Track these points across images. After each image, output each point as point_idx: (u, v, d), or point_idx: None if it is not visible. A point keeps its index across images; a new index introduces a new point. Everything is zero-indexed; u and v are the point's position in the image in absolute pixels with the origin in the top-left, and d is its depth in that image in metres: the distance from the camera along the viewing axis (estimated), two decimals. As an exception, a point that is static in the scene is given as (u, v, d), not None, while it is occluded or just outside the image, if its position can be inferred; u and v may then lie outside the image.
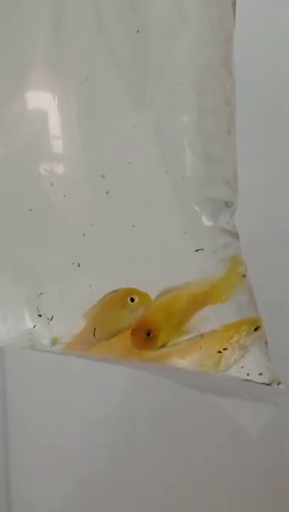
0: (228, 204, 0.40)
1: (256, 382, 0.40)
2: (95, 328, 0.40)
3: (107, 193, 0.39)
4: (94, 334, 0.40)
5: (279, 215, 0.82)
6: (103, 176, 0.40)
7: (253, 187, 0.78)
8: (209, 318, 0.40)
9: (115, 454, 0.89)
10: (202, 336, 0.39)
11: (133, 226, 0.40)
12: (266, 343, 0.41)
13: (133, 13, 0.39)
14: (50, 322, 0.40)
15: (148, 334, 0.39)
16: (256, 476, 0.85)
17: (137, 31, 0.39)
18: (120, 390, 0.87)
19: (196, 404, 0.82)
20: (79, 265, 0.40)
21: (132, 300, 0.40)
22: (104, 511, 0.90)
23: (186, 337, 0.39)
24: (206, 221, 0.40)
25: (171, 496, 0.88)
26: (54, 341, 0.40)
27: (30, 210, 0.40)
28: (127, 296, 0.40)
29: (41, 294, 0.40)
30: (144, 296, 0.40)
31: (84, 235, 0.40)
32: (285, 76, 0.78)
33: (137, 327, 0.40)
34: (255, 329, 0.40)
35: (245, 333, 0.40)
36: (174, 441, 0.87)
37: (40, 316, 0.40)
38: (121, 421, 0.88)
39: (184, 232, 0.40)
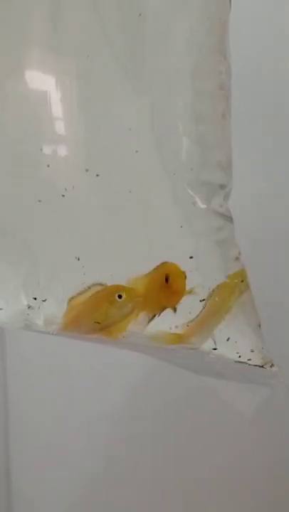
0: (221, 187, 0.41)
1: (249, 364, 0.40)
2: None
3: (97, 175, 0.40)
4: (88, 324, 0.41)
5: (279, 215, 0.82)
6: (97, 160, 0.40)
7: (253, 186, 0.79)
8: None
9: (115, 452, 0.89)
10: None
11: (127, 207, 0.40)
12: (259, 325, 0.41)
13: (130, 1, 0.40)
14: (44, 303, 0.40)
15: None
16: (257, 475, 0.85)
17: (135, 15, 0.40)
18: (121, 389, 0.87)
19: (197, 403, 0.82)
20: (78, 259, 0.41)
21: (120, 297, 0.40)
22: (105, 509, 0.90)
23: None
24: (199, 204, 0.40)
25: (172, 494, 0.88)
26: (48, 322, 0.40)
27: (32, 195, 0.40)
28: (114, 294, 0.40)
29: (37, 277, 0.41)
30: (131, 291, 0.40)
31: (79, 220, 0.40)
32: (285, 76, 0.78)
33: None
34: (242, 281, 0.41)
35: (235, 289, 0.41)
36: (175, 441, 0.87)
37: (35, 298, 0.41)
38: (121, 420, 0.88)
39: (178, 214, 0.40)
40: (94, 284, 0.40)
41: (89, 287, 0.40)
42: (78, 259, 0.40)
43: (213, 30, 0.40)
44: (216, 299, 0.40)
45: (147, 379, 0.84)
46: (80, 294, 0.40)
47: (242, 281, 0.41)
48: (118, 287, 0.40)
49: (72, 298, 0.40)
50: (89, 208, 0.40)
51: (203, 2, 0.40)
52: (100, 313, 0.40)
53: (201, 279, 0.40)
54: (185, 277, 0.40)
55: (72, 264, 0.41)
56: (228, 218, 0.41)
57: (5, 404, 0.92)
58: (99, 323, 0.40)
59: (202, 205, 0.40)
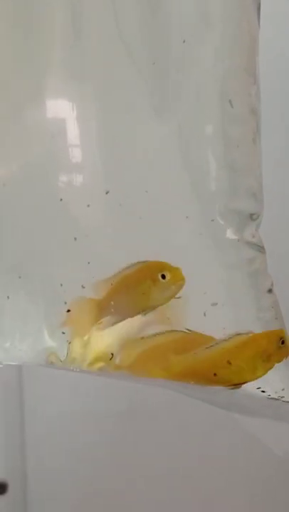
0: (252, 216, 0.39)
1: (282, 401, 0.39)
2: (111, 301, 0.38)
3: (121, 205, 0.38)
4: (111, 306, 0.38)
5: None
6: (120, 188, 0.38)
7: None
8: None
9: (129, 449, 0.89)
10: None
11: (152, 235, 0.38)
12: (293, 359, 0.39)
13: (153, 18, 0.37)
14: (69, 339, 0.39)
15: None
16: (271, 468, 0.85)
17: (158, 37, 0.38)
18: (134, 388, 0.87)
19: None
20: None
21: (164, 277, 0.37)
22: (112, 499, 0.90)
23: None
24: (231, 235, 0.38)
25: (182, 490, 0.88)
26: (72, 360, 0.39)
27: (48, 223, 0.39)
28: (158, 272, 0.37)
29: (59, 307, 0.39)
30: (176, 272, 0.37)
31: (102, 245, 0.39)
32: None
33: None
34: (282, 343, 0.39)
35: (271, 346, 0.39)
36: (184, 442, 0.87)
37: (63, 333, 0.39)
38: (135, 417, 0.88)
39: (209, 245, 0.38)
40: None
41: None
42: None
43: (242, 50, 0.38)
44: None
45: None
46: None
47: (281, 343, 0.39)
48: (163, 265, 0.37)
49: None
50: (110, 235, 0.39)
51: (230, 20, 0.38)
52: (139, 291, 0.37)
53: (232, 313, 0.38)
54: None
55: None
56: (261, 248, 0.39)
57: (21, 403, 0.92)
58: (141, 300, 0.38)
59: (233, 236, 0.38)
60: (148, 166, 0.38)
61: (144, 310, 0.38)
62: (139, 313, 0.38)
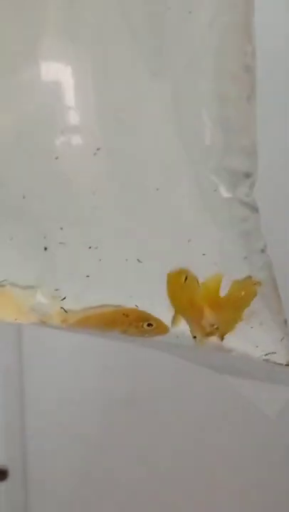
0: (246, 175, 0.39)
1: (274, 363, 0.38)
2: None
3: (115, 163, 0.38)
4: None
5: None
6: (113, 147, 0.38)
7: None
8: None
9: (129, 434, 0.90)
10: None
11: (146, 195, 0.38)
12: (285, 321, 0.39)
13: None
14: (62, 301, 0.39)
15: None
16: (277, 475, 0.85)
17: None
18: (135, 372, 0.87)
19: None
20: (90, 247, 0.39)
21: (150, 325, 0.39)
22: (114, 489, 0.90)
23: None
24: (223, 192, 0.38)
25: (183, 473, 0.88)
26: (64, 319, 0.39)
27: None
28: (144, 321, 0.39)
29: (55, 272, 0.39)
30: (160, 323, 0.39)
31: (95, 207, 0.38)
32: None
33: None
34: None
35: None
36: (184, 426, 0.87)
37: (53, 297, 0.39)
38: (135, 402, 0.88)
39: (201, 203, 0.38)
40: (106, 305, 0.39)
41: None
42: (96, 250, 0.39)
43: (238, 8, 0.38)
44: (242, 293, 0.38)
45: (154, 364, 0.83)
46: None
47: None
48: (147, 316, 0.39)
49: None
50: (103, 194, 0.38)
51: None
52: (122, 330, 0.39)
53: (224, 271, 0.38)
54: None
55: (88, 253, 0.39)
56: (254, 209, 0.39)
57: (21, 386, 0.93)
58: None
59: (226, 194, 0.38)
60: (141, 125, 0.38)
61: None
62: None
